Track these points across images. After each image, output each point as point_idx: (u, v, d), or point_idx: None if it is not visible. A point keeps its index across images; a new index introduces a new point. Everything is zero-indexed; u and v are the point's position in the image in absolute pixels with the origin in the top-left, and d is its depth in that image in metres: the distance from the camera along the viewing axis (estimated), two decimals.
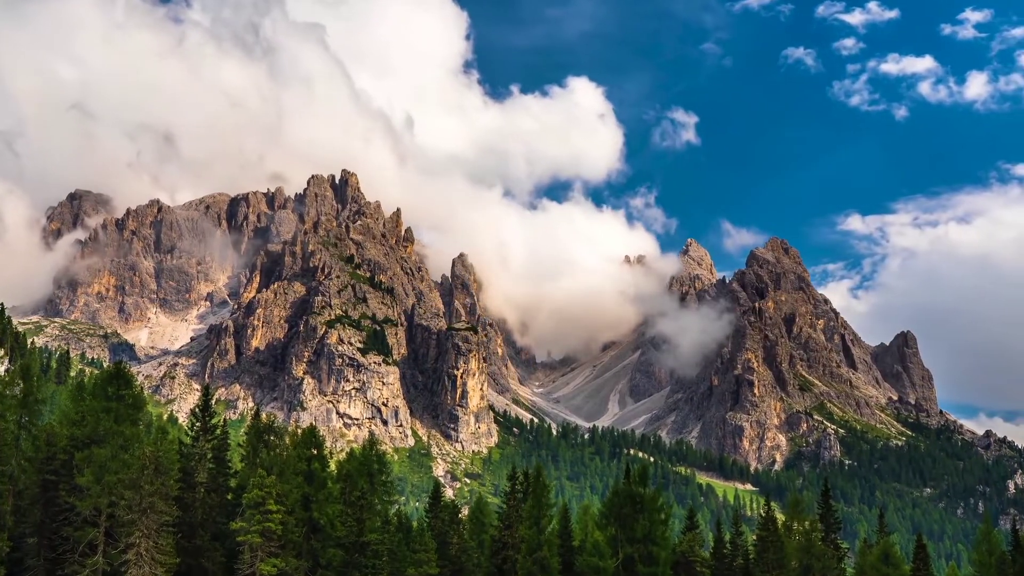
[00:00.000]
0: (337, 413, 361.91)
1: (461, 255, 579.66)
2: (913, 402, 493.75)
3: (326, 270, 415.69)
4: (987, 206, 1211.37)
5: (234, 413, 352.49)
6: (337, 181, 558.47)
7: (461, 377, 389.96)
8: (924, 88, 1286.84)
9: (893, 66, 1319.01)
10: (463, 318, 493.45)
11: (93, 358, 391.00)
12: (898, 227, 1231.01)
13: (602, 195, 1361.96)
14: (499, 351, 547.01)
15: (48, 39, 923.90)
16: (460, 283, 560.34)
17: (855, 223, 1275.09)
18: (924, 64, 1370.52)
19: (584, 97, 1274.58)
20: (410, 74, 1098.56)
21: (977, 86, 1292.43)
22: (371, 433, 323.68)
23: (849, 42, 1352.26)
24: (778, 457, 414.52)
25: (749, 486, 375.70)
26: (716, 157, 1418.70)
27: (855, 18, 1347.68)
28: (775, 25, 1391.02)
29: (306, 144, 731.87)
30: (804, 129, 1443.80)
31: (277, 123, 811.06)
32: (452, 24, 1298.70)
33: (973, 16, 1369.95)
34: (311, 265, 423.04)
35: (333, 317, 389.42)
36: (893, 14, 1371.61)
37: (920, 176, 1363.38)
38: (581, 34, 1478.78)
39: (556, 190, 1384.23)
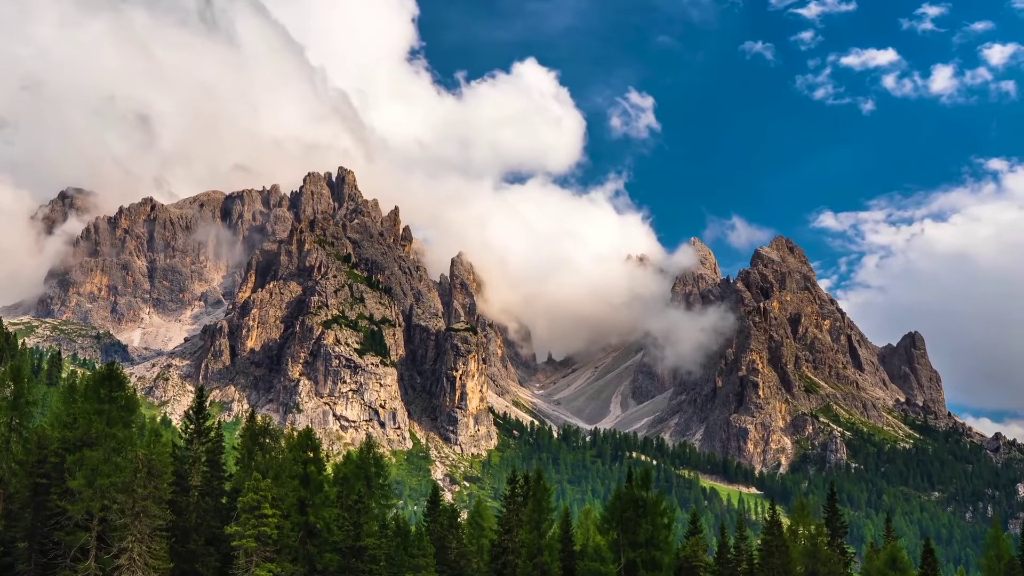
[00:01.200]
0: (334, 415, 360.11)
1: (460, 255, 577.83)
2: (921, 404, 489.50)
3: (323, 269, 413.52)
4: (962, 202, 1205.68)
5: (229, 415, 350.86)
6: (334, 179, 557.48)
7: (460, 379, 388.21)
8: (889, 82, 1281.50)
9: (855, 59, 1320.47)
10: (462, 318, 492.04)
11: (85, 359, 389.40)
12: (872, 224, 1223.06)
13: (570, 182, 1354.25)
14: (499, 352, 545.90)
15: (6, 25, 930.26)
16: (459, 283, 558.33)
17: (828, 220, 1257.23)
18: (887, 57, 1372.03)
19: (537, 81, 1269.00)
20: (356, 60, 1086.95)
21: (942, 80, 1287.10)
22: (368, 436, 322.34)
23: (807, 35, 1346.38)
24: (783, 460, 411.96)
25: (754, 489, 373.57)
26: (680, 151, 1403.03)
27: (810, 11, 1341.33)
28: (729, 18, 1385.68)
29: (273, 126, 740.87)
30: (771, 123, 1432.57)
31: (244, 105, 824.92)
32: (397, 8, 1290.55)
33: (931, 10, 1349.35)
34: (307, 264, 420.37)
35: (330, 317, 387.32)
36: (850, 7, 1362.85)
37: (892, 172, 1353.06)
38: (535, 20, 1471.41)
39: (524, 177, 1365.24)
